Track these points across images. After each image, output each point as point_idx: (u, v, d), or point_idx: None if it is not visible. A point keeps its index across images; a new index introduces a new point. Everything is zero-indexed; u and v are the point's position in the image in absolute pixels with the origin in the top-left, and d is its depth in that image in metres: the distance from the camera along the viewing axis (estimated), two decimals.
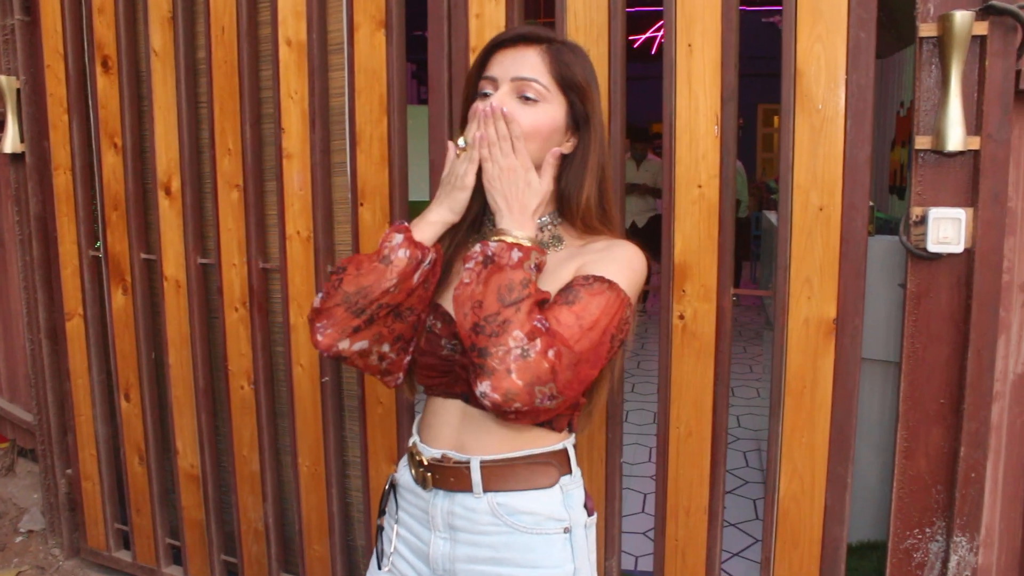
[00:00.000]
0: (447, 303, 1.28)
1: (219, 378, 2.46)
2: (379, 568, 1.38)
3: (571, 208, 1.28)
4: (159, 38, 2.37)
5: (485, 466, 1.24)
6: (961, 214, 1.60)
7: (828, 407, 1.76)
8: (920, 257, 1.65)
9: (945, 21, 1.54)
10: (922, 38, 1.60)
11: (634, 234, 6.83)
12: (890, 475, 1.75)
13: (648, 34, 9.10)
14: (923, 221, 1.62)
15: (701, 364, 1.83)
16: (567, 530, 1.26)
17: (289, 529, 2.44)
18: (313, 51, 2.12)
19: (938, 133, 1.58)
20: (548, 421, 1.25)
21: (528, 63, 1.21)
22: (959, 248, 1.61)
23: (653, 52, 8.93)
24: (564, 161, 1.27)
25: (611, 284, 1.16)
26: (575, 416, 1.32)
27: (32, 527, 3.14)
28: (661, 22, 1.78)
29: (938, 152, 1.61)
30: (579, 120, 1.26)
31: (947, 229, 1.60)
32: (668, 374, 1.86)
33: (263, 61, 2.25)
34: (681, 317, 1.83)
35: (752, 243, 7.73)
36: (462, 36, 1.95)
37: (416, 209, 2.06)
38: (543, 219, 1.29)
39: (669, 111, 1.79)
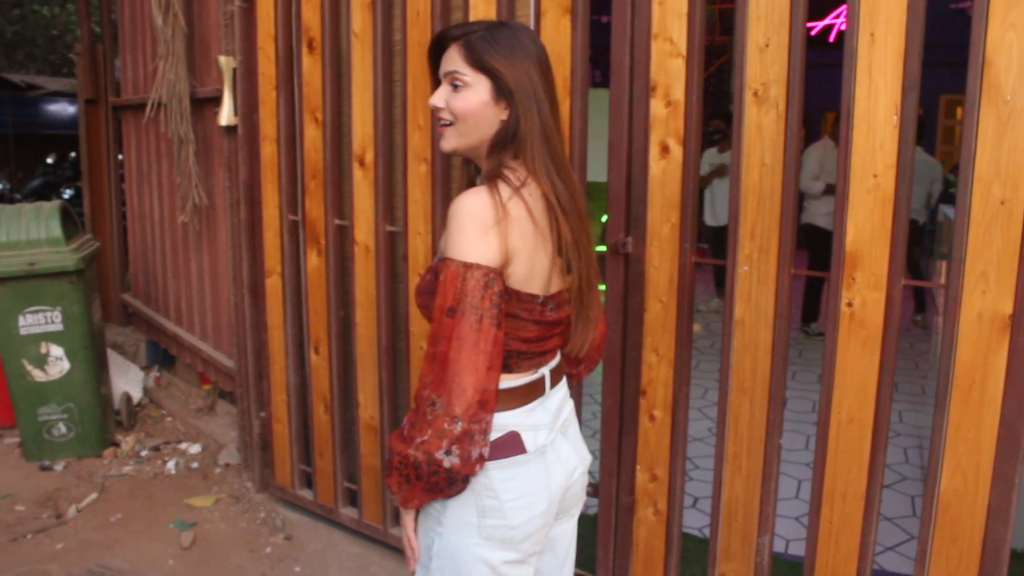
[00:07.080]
0: None
1: (400, 338, 2.66)
2: None
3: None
4: (359, 21, 2.56)
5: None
6: None
7: (998, 404, 1.73)
8: None
9: None
10: None
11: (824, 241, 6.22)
12: None
13: (826, 21, 8.71)
14: None
15: (867, 352, 1.84)
16: None
17: None
18: None
19: None
20: None
21: (451, 59, 1.40)
22: None
23: (831, 40, 8.52)
24: (506, 128, 1.40)
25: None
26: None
27: (229, 461, 3.50)
28: (840, 9, 1.78)
29: None
30: (505, 92, 1.39)
31: None
32: (833, 360, 1.88)
33: None
34: (849, 305, 1.85)
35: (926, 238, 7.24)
36: (644, 22, 2.02)
37: (593, 190, 2.16)
38: None
39: (847, 100, 1.79)
